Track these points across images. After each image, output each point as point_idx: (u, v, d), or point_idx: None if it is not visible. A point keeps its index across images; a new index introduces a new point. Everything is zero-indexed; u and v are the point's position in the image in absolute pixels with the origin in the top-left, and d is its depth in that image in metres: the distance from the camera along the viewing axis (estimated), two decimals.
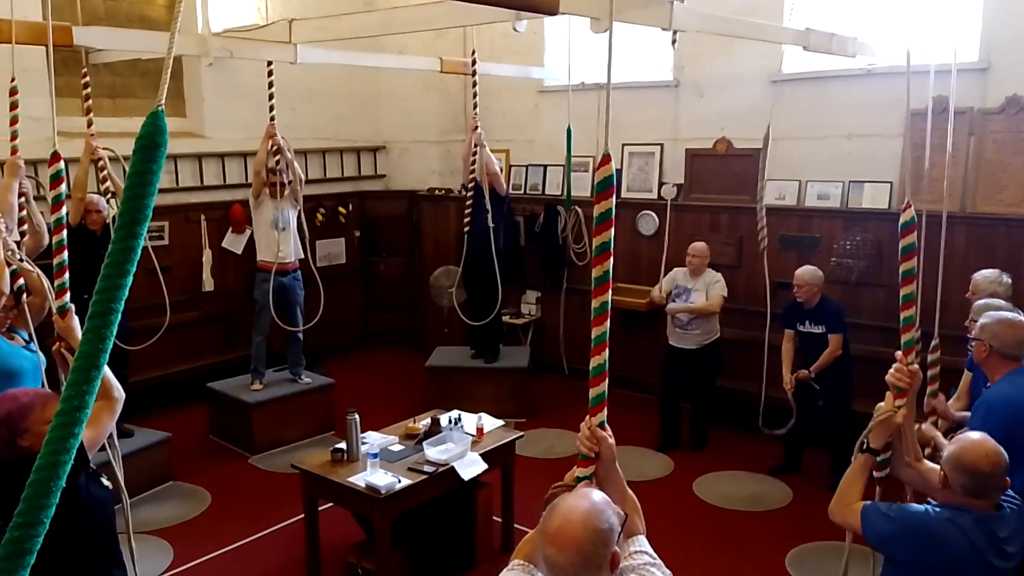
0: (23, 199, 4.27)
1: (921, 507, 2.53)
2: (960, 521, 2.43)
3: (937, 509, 2.50)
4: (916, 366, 2.62)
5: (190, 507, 5.42)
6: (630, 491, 2.15)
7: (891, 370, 2.64)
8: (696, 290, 6.11)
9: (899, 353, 2.64)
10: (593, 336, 1.92)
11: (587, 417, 2.01)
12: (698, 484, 5.71)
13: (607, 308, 1.91)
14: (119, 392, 2.76)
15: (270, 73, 5.87)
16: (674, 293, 6.21)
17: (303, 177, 6.41)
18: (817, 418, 5.64)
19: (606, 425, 2.05)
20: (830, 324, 5.48)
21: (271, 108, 6.01)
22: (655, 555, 2.01)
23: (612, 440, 2.05)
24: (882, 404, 2.66)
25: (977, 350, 3.32)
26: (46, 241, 4.63)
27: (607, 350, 1.94)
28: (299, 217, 6.45)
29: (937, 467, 2.59)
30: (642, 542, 2.04)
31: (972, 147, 5.74)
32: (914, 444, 2.70)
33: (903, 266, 2.67)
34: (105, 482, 2.67)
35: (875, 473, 2.69)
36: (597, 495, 1.87)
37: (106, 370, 2.58)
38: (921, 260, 2.69)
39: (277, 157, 6.16)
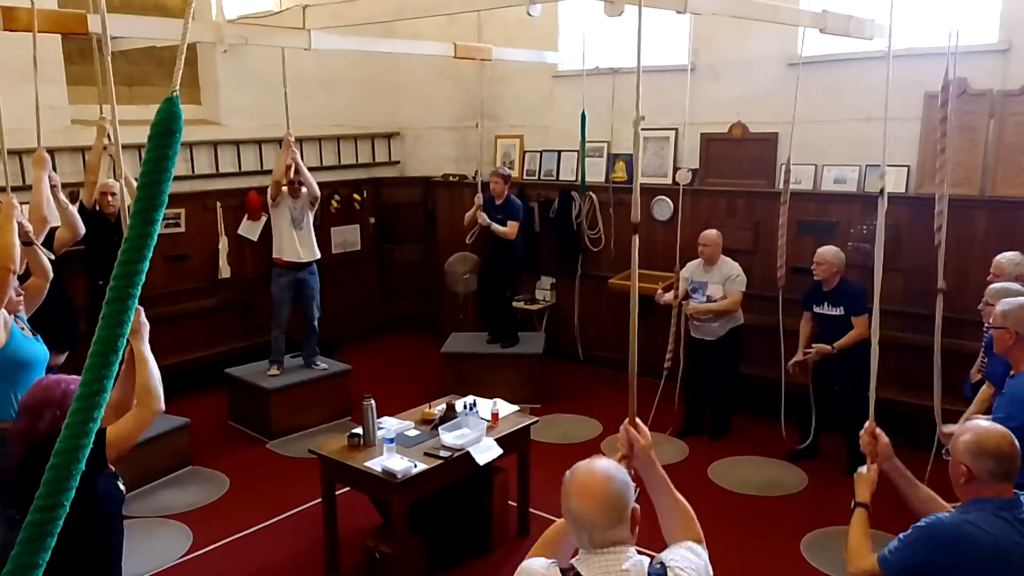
0: (55, 189, 4.28)
1: (932, 516, 2.42)
2: (978, 519, 2.28)
3: (949, 514, 2.38)
4: (879, 431, 2.68)
5: (209, 492, 5.48)
6: (681, 499, 2.21)
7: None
8: (712, 283, 6.02)
9: (868, 423, 2.72)
10: None
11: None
12: (713, 469, 5.71)
13: None
14: (160, 403, 2.70)
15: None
16: (690, 290, 6.14)
17: (318, 194, 6.61)
18: (834, 403, 5.61)
19: (638, 422, 2.18)
20: (850, 306, 5.39)
21: (287, 123, 6.07)
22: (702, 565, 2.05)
23: (643, 440, 2.17)
24: (862, 468, 2.72)
25: (1000, 339, 3.12)
26: (82, 230, 4.69)
27: None
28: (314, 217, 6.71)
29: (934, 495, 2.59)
30: (698, 550, 2.13)
31: (992, 129, 5.66)
32: (906, 476, 2.70)
33: None
34: (120, 485, 2.69)
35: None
36: (610, 460, 2.02)
37: (155, 377, 2.63)
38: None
39: (291, 166, 6.34)
